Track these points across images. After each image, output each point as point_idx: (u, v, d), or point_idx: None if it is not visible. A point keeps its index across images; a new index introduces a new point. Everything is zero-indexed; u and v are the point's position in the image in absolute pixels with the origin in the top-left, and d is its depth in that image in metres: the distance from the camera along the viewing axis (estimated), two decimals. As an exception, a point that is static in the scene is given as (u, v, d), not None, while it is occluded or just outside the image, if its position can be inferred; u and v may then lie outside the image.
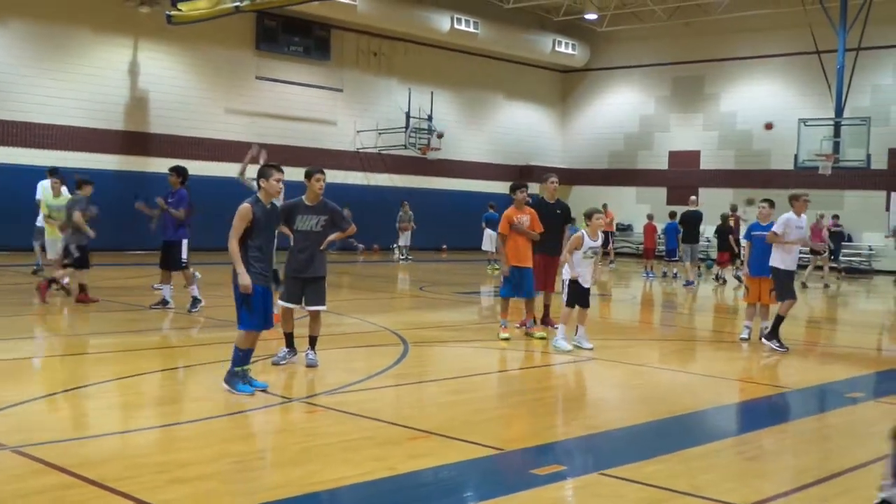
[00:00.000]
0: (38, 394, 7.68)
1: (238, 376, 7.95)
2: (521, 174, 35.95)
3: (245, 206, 7.91)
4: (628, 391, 9.26)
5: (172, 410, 7.65)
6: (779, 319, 11.89)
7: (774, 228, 11.97)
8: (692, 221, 23.39)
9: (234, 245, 7.88)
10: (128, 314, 13.96)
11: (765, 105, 35.12)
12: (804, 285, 23.17)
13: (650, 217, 27.52)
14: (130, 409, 7.75)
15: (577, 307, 11.25)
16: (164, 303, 13.86)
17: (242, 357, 7.98)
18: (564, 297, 11.33)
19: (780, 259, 11.96)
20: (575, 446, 6.95)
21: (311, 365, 9.15)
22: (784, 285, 11.99)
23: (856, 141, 30.61)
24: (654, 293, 21.66)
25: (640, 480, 5.77)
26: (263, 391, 7.97)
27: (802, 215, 12.11)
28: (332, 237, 9.25)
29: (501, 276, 12.25)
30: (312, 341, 9.31)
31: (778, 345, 11.80)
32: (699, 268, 23.45)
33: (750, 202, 24.80)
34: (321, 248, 9.13)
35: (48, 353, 10.64)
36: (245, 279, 7.83)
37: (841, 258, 30.03)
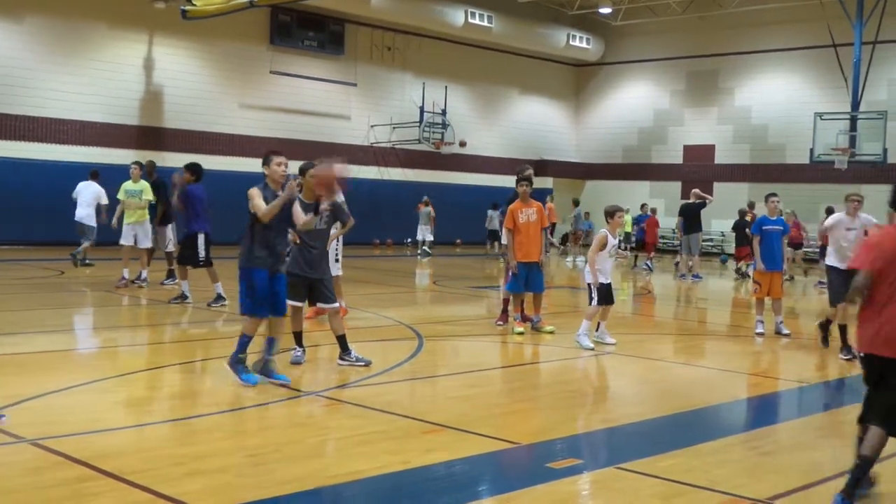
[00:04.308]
0: (56, 387, 7.72)
1: (241, 363, 8.05)
2: (535, 169, 35.85)
3: (253, 189, 8.00)
4: (644, 385, 9.25)
5: (188, 404, 7.68)
6: (842, 328, 10.80)
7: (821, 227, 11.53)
8: (692, 212, 23.26)
9: (261, 207, 7.88)
10: (143, 308, 14.03)
11: (780, 99, 34.96)
12: (791, 278, 23.07)
13: (653, 211, 27.45)
14: (147, 402, 7.79)
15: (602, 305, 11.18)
16: (182, 297, 13.87)
17: (245, 343, 8.07)
18: (593, 297, 11.11)
19: (835, 257, 11.16)
20: (590, 440, 6.95)
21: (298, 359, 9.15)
22: (836, 286, 10.93)
23: (872, 135, 30.49)
24: (667, 287, 21.60)
25: (656, 474, 5.77)
26: (285, 385, 7.98)
27: (859, 216, 11.23)
28: (334, 234, 9.22)
29: (510, 272, 12.17)
30: (342, 341, 9.13)
31: (847, 353, 10.61)
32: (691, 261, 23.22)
33: (751, 206, 24.59)
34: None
35: (65, 347, 10.68)
36: (287, 190, 7.91)
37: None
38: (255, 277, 8.00)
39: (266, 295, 8.06)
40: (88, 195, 18.36)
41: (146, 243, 15.95)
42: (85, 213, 18.25)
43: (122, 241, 15.90)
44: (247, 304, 8.08)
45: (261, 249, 8.00)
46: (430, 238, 29.97)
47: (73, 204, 18.40)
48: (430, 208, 30.32)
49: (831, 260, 11.23)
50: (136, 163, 16.35)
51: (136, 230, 15.85)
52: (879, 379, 5.39)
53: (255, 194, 7.95)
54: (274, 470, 5.65)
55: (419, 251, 29.64)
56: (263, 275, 8.03)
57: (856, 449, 5.40)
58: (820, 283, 22.32)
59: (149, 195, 15.84)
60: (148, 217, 16.01)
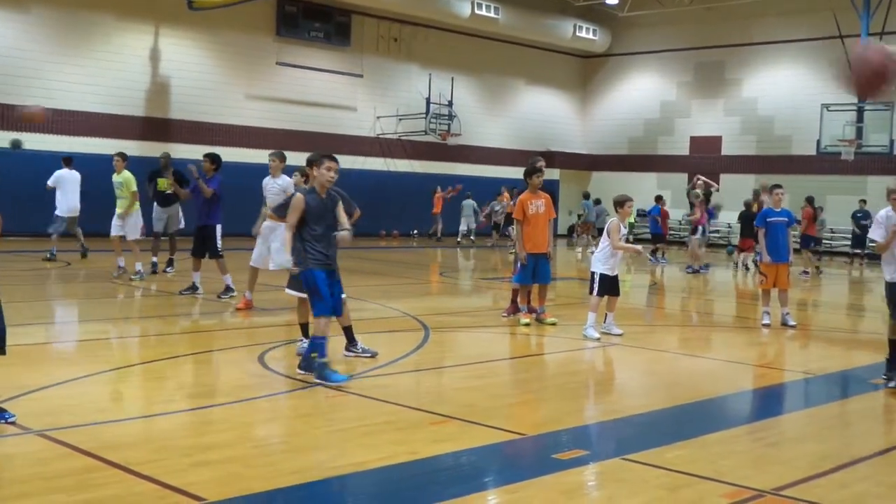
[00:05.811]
0: (63, 378, 7.74)
1: (326, 367, 7.89)
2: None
3: (298, 197, 8.12)
4: (650, 377, 9.25)
5: (195, 394, 7.70)
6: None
7: (873, 234, 8.91)
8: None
9: (287, 234, 8.18)
10: (154, 299, 14.05)
11: (787, 90, 34.85)
12: (818, 269, 23.08)
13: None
14: (153, 393, 7.80)
15: (605, 296, 11.18)
16: (193, 288, 13.84)
17: (322, 346, 7.97)
18: (594, 287, 11.16)
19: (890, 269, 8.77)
20: (597, 431, 6.95)
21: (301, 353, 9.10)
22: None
23: (878, 126, 30.43)
24: (673, 279, 21.58)
25: (662, 465, 5.77)
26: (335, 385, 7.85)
27: None
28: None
29: (518, 263, 12.15)
30: (348, 332, 9.12)
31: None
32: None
33: (756, 195, 24.32)
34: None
35: (72, 338, 10.71)
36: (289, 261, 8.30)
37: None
38: (315, 277, 8.06)
39: (329, 294, 8.13)
40: (74, 184, 18.28)
41: (134, 234, 15.84)
42: (77, 205, 18.23)
43: (111, 234, 15.90)
44: (316, 305, 8.11)
45: (315, 250, 8.09)
46: (472, 226, 31.80)
47: (65, 195, 18.14)
48: (472, 201, 31.87)
49: (889, 274, 8.76)
50: (119, 154, 16.29)
51: (125, 221, 15.85)
52: None
53: (294, 209, 8.06)
54: (280, 461, 5.67)
55: (459, 240, 31.01)
56: (322, 275, 8.09)
57: None
58: (804, 272, 22.21)
59: (132, 186, 15.78)
60: (136, 208, 15.95)
